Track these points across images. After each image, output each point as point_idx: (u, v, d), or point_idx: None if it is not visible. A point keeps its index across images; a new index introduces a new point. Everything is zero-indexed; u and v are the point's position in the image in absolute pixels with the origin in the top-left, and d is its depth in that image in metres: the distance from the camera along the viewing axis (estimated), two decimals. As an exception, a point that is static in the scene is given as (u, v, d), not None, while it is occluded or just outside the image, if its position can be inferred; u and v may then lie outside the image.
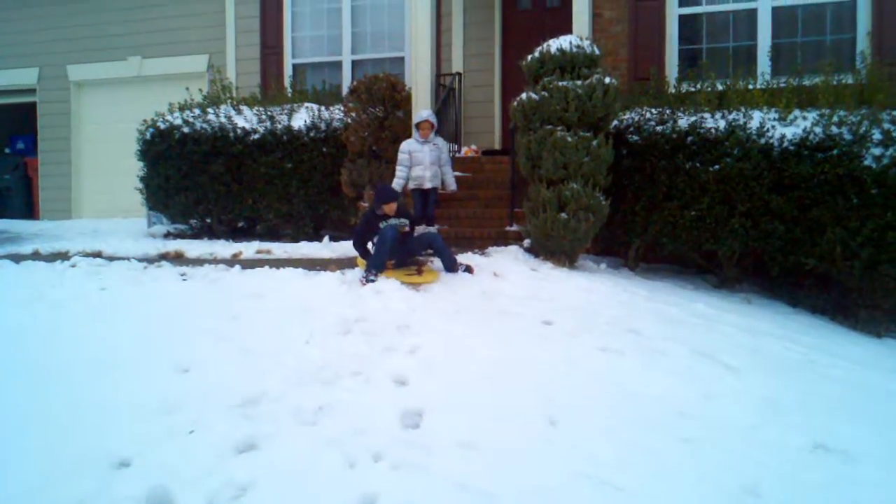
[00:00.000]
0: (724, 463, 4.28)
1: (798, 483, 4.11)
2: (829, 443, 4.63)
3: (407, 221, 7.99)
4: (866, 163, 7.90)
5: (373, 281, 7.23)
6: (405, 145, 9.24)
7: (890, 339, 8.07)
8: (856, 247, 7.90)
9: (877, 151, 7.91)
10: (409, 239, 8.02)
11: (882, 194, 7.79)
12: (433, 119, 9.13)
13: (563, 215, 8.35)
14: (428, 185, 9.18)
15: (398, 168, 9.20)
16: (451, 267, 7.84)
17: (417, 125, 9.18)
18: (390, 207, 7.79)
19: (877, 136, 8.01)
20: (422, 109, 9.35)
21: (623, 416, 4.79)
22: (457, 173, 10.75)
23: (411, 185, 9.19)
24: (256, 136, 11.29)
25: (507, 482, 3.79)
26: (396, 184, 9.04)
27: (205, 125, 11.54)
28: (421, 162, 9.11)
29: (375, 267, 7.46)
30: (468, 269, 7.86)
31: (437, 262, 8.14)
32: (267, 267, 7.76)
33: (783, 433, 4.74)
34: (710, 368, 5.83)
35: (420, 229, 8.33)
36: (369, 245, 7.92)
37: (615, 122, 9.33)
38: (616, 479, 3.93)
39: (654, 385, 5.35)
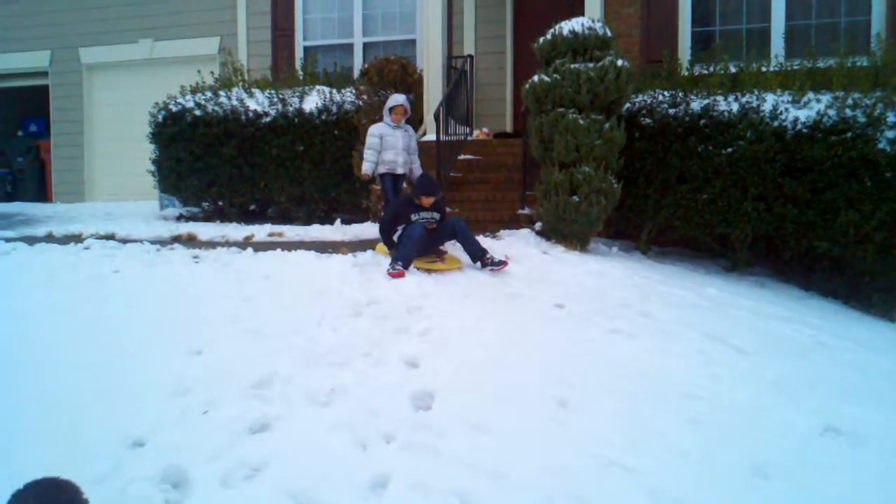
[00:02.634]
0: (733, 444, 4.29)
1: (807, 464, 4.12)
2: (838, 425, 4.63)
3: (438, 216, 7.67)
4: (880, 146, 7.86)
5: (400, 270, 6.96)
6: (375, 129, 8.77)
7: (903, 322, 8.06)
8: (869, 230, 7.87)
9: (891, 134, 7.87)
10: (434, 233, 7.62)
11: (896, 177, 7.75)
12: (408, 104, 8.87)
13: (575, 198, 8.34)
14: (400, 171, 8.81)
15: (367, 152, 8.73)
16: (477, 256, 7.42)
17: (391, 109, 8.79)
18: (428, 200, 7.53)
19: (891, 118, 7.96)
20: (396, 94, 9.06)
21: (633, 397, 4.80)
22: (468, 156, 10.78)
23: (382, 170, 8.75)
24: (268, 119, 11.28)
25: (518, 463, 3.82)
26: (367, 168, 8.67)
27: (216, 108, 11.54)
28: (393, 146, 8.71)
29: (402, 260, 7.11)
30: (498, 265, 7.33)
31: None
32: (279, 249, 7.76)
33: (792, 415, 4.74)
34: (721, 351, 5.83)
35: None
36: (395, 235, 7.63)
37: (627, 105, 9.29)
38: (625, 459, 3.95)
39: (664, 367, 5.36)
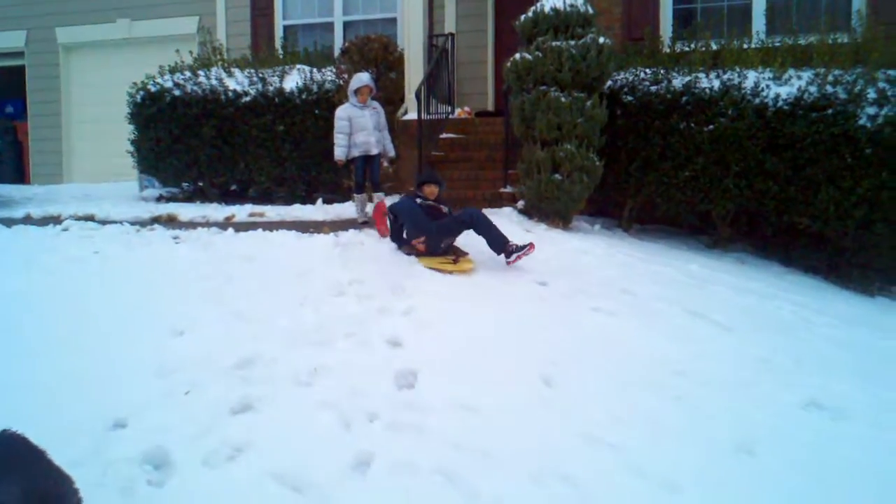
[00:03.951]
0: (718, 420, 4.31)
1: (790, 440, 4.14)
2: (821, 400, 4.66)
3: (444, 208, 7.39)
4: (861, 122, 7.88)
5: (407, 244, 6.94)
6: (342, 111, 8.54)
7: (882, 297, 8.12)
8: (849, 206, 7.91)
9: (871, 111, 7.89)
10: (445, 219, 7.20)
11: (876, 154, 7.78)
12: (373, 83, 8.66)
13: (557, 176, 8.34)
14: (374, 151, 8.58)
15: (338, 136, 8.50)
16: (499, 245, 6.90)
17: (356, 90, 8.51)
18: (431, 190, 7.31)
19: (871, 95, 7.97)
20: (359, 73, 8.85)
21: (618, 375, 4.81)
22: (450, 135, 10.75)
23: (356, 153, 8.54)
24: (248, 99, 11.19)
25: (503, 442, 3.81)
26: (339, 153, 8.46)
27: (196, 88, 11.44)
28: (364, 127, 8.47)
29: (397, 241, 7.12)
30: (523, 249, 6.83)
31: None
32: (260, 230, 7.73)
33: (776, 391, 4.77)
34: (704, 328, 5.86)
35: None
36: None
37: (609, 83, 9.29)
38: (611, 437, 3.96)
39: (648, 345, 5.37)
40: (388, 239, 7.45)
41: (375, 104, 8.73)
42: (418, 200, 7.17)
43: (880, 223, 7.84)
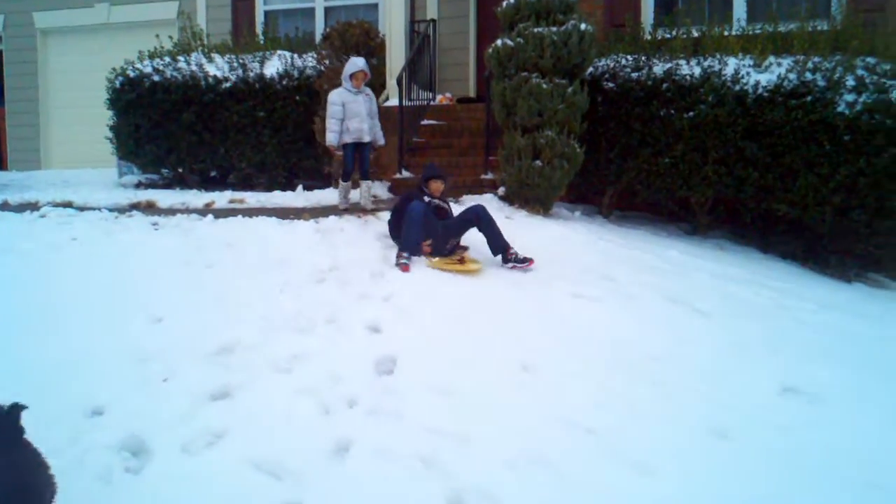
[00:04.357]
0: (695, 406, 4.35)
1: (766, 425, 4.18)
2: (797, 385, 4.70)
3: (447, 206, 7.19)
4: (839, 109, 7.91)
5: (405, 263, 6.27)
6: (336, 96, 8.30)
7: (859, 283, 8.18)
8: (827, 193, 7.96)
9: (850, 98, 7.92)
10: (451, 219, 7.00)
11: (854, 141, 7.82)
12: (367, 69, 8.48)
13: (538, 163, 8.34)
14: (366, 139, 8.39)
15: (331, 121, 8.25)
16: (499, 249, 6.71)
17: (352, 75, 8.30)
18: (437, 186, 7.08)
19: (850, 82, 8.01)
20: (355, 57, 8.63)
21: (596, 360, 4.84)
22: (431, 121, 10.74)
23: (347, 139, 8.31)
24: (228, 85, 11.14)
25: (481, 426, 3.83)
26: (332, 138, 8.23)
27: (175, 73, 11.37)
28: (357, 114, 8.25)
29: (408, 249, 6.44)
30: (524, 263, 6.60)
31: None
32: (240, 216, 7.70)
33: (753, 376, 4.81)
34: (683, 314, 5.89)
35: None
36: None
37: (590, 69, 9.28)
38: (588, 421, 3.99)
39: (627, 330, 5.41)
40: (368, 226, 7.43)
41: (368, 91, 8.57)
42: (426, 199, 6.93)
43: (857, 210, 7.90)
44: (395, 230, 6.86)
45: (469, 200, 8.67)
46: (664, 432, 4.00)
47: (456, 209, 7.37)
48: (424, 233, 6.59)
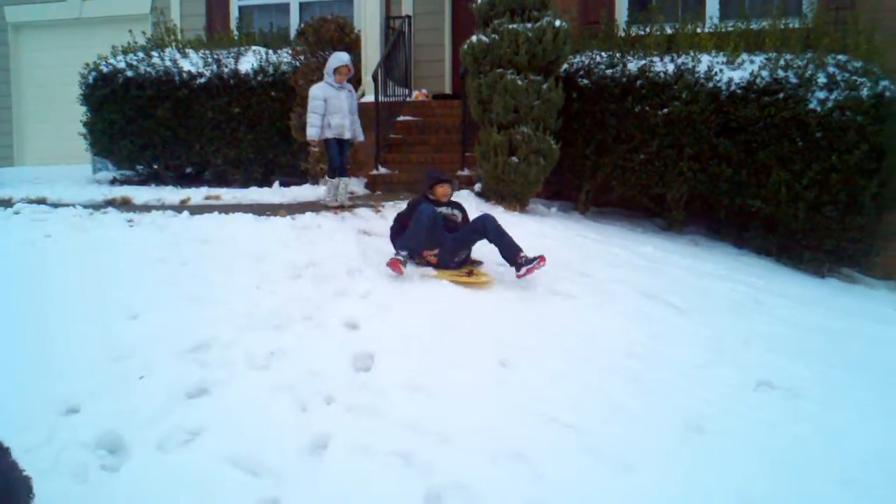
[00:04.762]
0: (671, 400, 4.40)
1: (741, 419, 4.24)
2: (772, 380, 4.78)
3: (459, 215, 6.72)
4: (811, 106, 8.02)
5: (398, 259, 5.92)
6: (319, 90, 8.10)
7: (832, 278, 8.30)
8: (800, 189, 8.05)
9: (821, 95, 8.02)
10: (460, 230, 6.51)
11: (826, 137, 7.92)
12: (351, 63, 8.35)
13: (514, 159, 8.37)
14: (348, 135, 8.24)
15: (312, 116, 8.04)
16: (511, 256, 6.24)
17: (336, 69, 8.12)
18: (443, 191, 6.60)
19: (822, 79, 8.11)
20: (339, 52, 8.52)
21: (574, 356, 4.87)
22: (407, 118, 10.74)
23: (329, 134, 8.14)
24: (203, 80, 11.09)
25: (459, 423, 3.85)
26: (313, 133, 8.02)
27: (149, 69, 11.30)
28: (339, 109, 8.10)
29: (405, 248, 6.09)
30: (534, 262, 6.10)
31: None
32: (216, 212, 7.64)
33: (728, 371, 4.88)
34: (659, 309, 5.95)
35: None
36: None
37: (565, 66, 9.32)
38: (566, 417, 4.02)
39: (604, 326, 5.45)
40: (346, 222, 7.41)
41: (350, 86, 8.45)
42: (436, 209, 6.42)
43: (829, 206, 7.99)
44: (396, 236, 6.44)
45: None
46: (642, 427, 4.05)
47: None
48: (429, 240, 6.20)
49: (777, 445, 3.96)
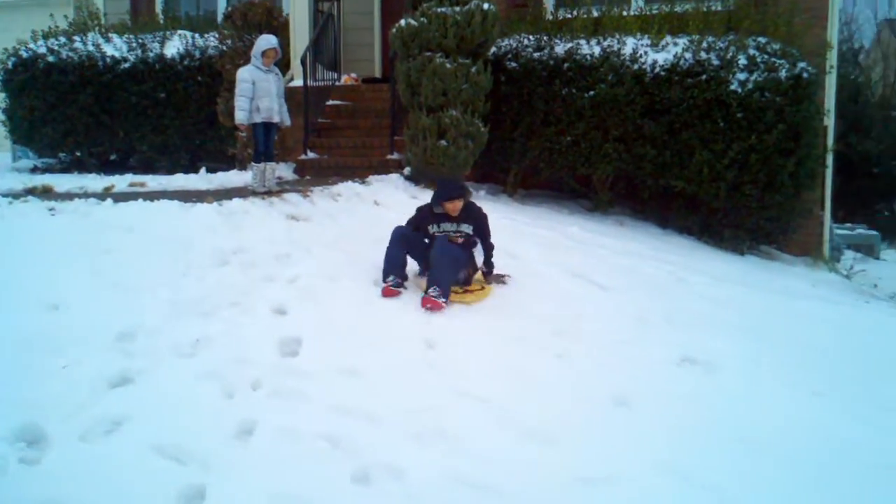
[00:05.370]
0: (597, 377, 4.51)
1: (665, 394, 4.38)
2: (694, 355, 4.92)
3: (469, 229, 5.93)
4: (732, 87, 8.20)
5: (445, 302, 5.33)
6: (246, 73, 7.95)
7: (752, 256, 8.54)
8: (721, 169, 8.24)
9: (742, 76, 8.21)
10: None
11: (746, 118, 8.12)
12: (279, 47, 8.23)
13: (443, 142, 8.40)
14: (276, 119, 8.13)
15: (240, 99, 7.88)
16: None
17: (264, 52, 7.98)
18: (454, 206, 5.85)
19: (742, 61, 8.30)
20: (267, 34, 8.35)
21: (500, 335, 4.96)
22: (336, 102, 10.69)
23: (258, 119, 8.00)
24: (127, 65, 10.90)
25: (388, 404, 3.90)
26: (242, 117, 7.87)
27: (71, 54, 11.06)
28: (268, 92, 7.97)
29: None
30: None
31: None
32: (141, 200, 7.49)
33: (652, 348, 5.01)
34: (585, 289, 6.06)
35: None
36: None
37: (493, 49, 9.37)
38: (494, 395, 4.10)
39: (531, 306, 5.55)
40: (274, 207, 7.35)
41: (277, 70, 8.34)
42: (432, 230, 5.92)
43: (749, 185, 8.20)
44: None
45: (375, 181, 8.68)
46: (567, 403, 4.15)
47: (364, 192, 7.23)
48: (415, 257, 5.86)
49: (699, 418, 4.11)
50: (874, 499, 3.50)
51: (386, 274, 5.63)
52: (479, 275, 6.02)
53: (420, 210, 6.12)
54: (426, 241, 5.89)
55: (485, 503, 3.19)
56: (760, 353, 5.12)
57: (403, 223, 6.03)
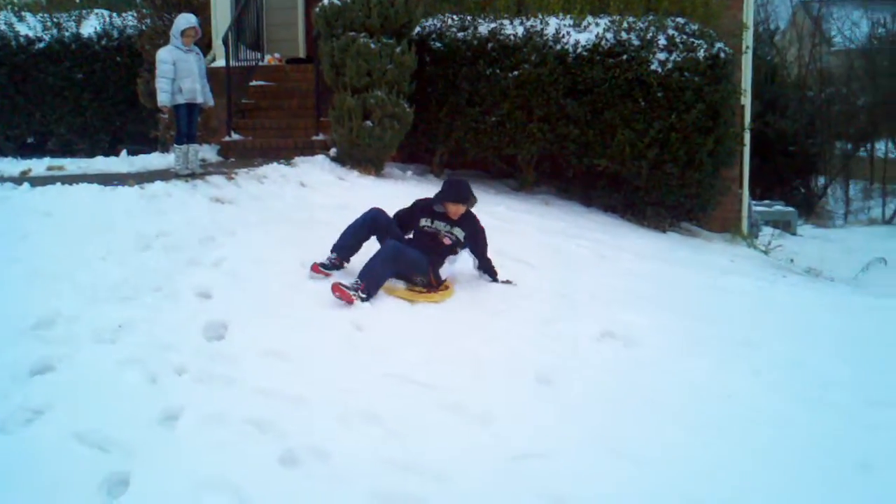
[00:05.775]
0: (522, 354, 4.59)
1: (587, 368, 4.50)
2: (615, 330, 5.04)
3: (462, 235, 5.67)
4: (653, 67, 8.36)
5: (364, 299, 4.96)
6: (167, 54, 7.84)
7: (673, 233, 8.75)
8: (643, 147, 8.41)
9: (662, 56, 8.38)
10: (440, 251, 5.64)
11: (667, 97, 8.30)
12: (199, 26, 8.15)
13: (369, 123, 8.39)
14: (199, 100, 8.08)
15: (162, 80, 7.79)
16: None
17: (183, 31, 7.87)
18: (457, 209, 5.63)
19: (662, 41, 8.47)
20: (186, 13, 8.25)
21: (426, 317, 4.99)
22: (260, 82, 10.58)
23: (181, 100, 7.94)
24: (42, 45, 10.64)
25: (316, 387, 3.89)
26: (164, 98, 7.81)
27: (-19, 33, 10.71)
28: (190, 72, 7.91)
29: (369, 280, 5.10)
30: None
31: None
32: (59, 184, 7.32)
33: (575, 324, 5.11)
34: (511, 267, 6.12)
35: None
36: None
37: (418, 29, 9.37)
38: (421, 376, 4.13)
39: (457, 286, 5.60)
40: (197, 190, 7.25)
41: (198, 49, 8.24)
42: (423, 222, 5.71)
43: (670, 163, 8.40)
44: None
45: (301, 162, 8.62)
46: (492, 378, 4.21)
47: (290, 173, 7.24)
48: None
49: (620, 391, 4.22)
50: (761, 447, 3.69)
51: (333, 248, 5.53)
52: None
53: (417, 202, 5.93)
54: (411, 235, 5.71)
55: (417, 484, 3.23)
56: (677, 325, 5.28)
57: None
